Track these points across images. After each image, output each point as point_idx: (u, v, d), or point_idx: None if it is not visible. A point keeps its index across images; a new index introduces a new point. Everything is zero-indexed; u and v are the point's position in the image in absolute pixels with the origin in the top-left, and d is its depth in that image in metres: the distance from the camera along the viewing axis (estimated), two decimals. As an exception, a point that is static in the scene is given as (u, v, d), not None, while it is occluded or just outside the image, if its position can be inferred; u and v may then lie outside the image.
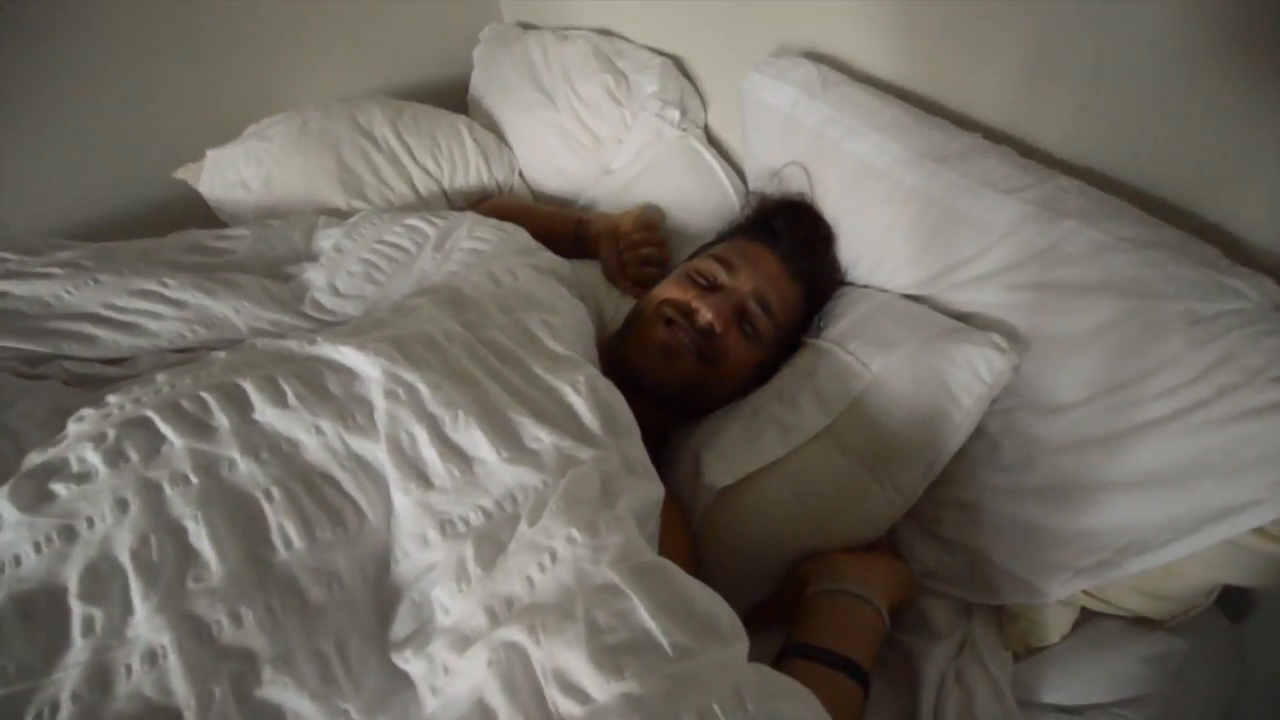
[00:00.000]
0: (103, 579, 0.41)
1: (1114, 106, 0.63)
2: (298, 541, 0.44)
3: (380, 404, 0.50)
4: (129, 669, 0.38)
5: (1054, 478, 0.56)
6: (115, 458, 0.46)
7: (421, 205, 1.08)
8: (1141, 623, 0.55)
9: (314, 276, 0.73)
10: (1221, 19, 0.53)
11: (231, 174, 1.05)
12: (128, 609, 0.40)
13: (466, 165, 1.12)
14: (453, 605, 0.42)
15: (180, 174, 1.06)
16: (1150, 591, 0.53)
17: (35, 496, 0.44)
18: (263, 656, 0.39)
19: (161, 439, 0.47)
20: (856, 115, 0.75)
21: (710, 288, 0.72)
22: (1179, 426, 0.50)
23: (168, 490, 0.45)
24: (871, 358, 0.65)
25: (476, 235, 0.75)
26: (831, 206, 0.79)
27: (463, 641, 0.39)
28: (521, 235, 0.78)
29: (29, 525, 0.42)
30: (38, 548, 0.41)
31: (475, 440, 0.48)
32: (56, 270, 0.68)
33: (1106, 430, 0.54)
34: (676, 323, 0.69)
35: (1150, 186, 0.62)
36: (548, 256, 0.75)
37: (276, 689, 0.39)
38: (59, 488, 0.44)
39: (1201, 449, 0.48)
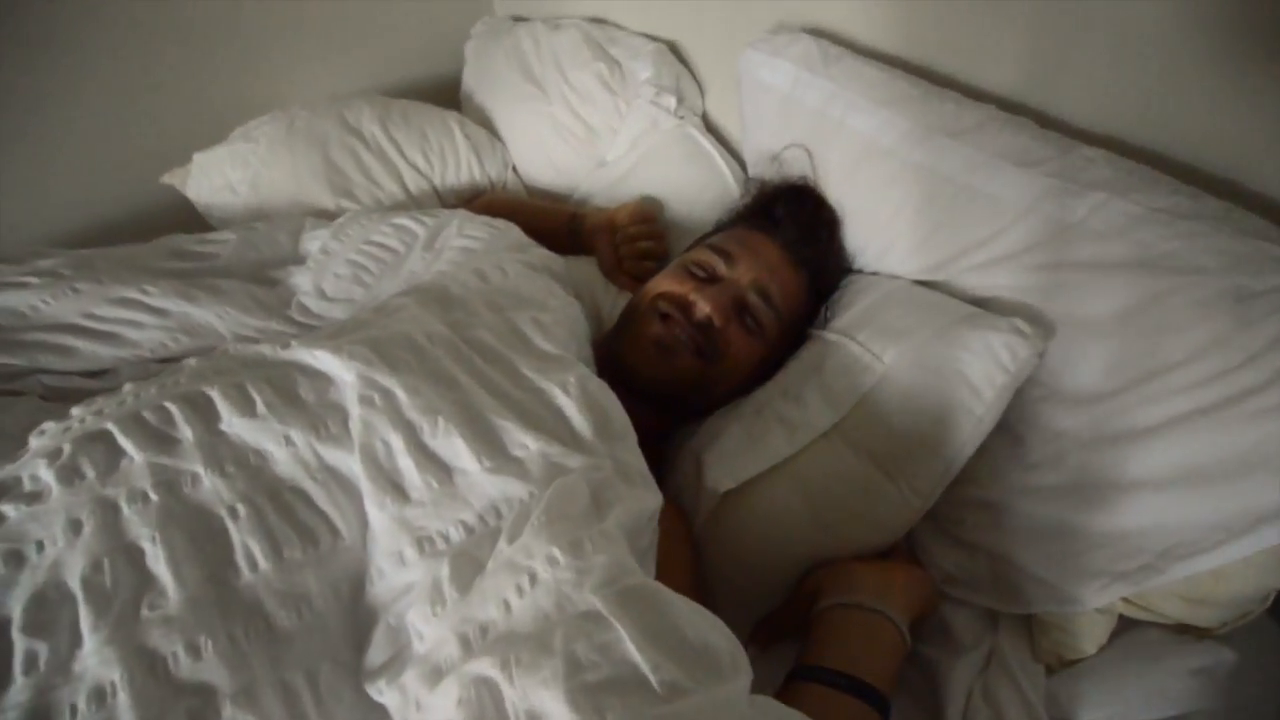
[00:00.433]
0: (50, 608, 0.38)
1: (1141, 72, 0.58)
2: (264, 563, 0.41)
3: (355, 411, 0.47)
4: (74, 709, 0.35)
5: (1085, 475, 0.51)
6: (70, 475, 0.43)
7: (412, 203, 1.05)
8: (1186, 631, 0.50)
9: (301, 280, 0.71)
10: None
11: (218, 177, 1.03)
12: (76, 641, 0.37)
13: (458, 161, 1.09)
14: (427, 631, 0.38)
15: (167, 179, 1.05)
16: (1197, 598, 0.48)
17: None
18: (223, 691, 0.36)
19: (120, 453, 0.45)
20: (860, 90, 0.72)
21: (708, 280, 0.68)
22: (1227, 416, 0.45)
23: (125, 509, 0.42)
24: (883, 349, 0.61)
25: (467, 233, 0.73)
26: (835, 189, 0.75)
27: (434, 674, 0.36)
28: (513, 231, 0.75)
29: None
30: None
31: (456, 448, 0.44)
32: (33, 279, 0.66)
33: (1143, 422, 0.49)
34: (673, 318, 0.65)
35: (1188, 156, 0.57)
36: (540, 252, 0.72)
37: None
38: (8, 509, 0.42)
39: (1254, 441, 0.44)
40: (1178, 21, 0.54)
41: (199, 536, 0.41)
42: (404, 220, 0.75)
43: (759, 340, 0.67)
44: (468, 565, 0.40)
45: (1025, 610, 0.51)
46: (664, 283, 0.69)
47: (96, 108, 1.06)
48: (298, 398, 0.48)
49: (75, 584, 0.39)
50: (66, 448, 0.45)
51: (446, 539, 0.42)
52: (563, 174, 1.07)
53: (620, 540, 0.40)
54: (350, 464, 0.45)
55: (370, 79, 1.24)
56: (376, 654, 0.40)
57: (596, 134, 1.04)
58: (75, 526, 0.41)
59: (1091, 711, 0.48)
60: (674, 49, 1.02)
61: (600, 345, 0.68)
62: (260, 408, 0.47)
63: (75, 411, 0.49)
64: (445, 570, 0.40)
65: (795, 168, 0.77)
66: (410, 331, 0.53)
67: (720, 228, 0.79)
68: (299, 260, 0.75)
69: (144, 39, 1.07)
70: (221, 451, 0.45)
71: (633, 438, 0.50)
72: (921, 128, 0.66)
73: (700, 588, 0.59)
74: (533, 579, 0.37)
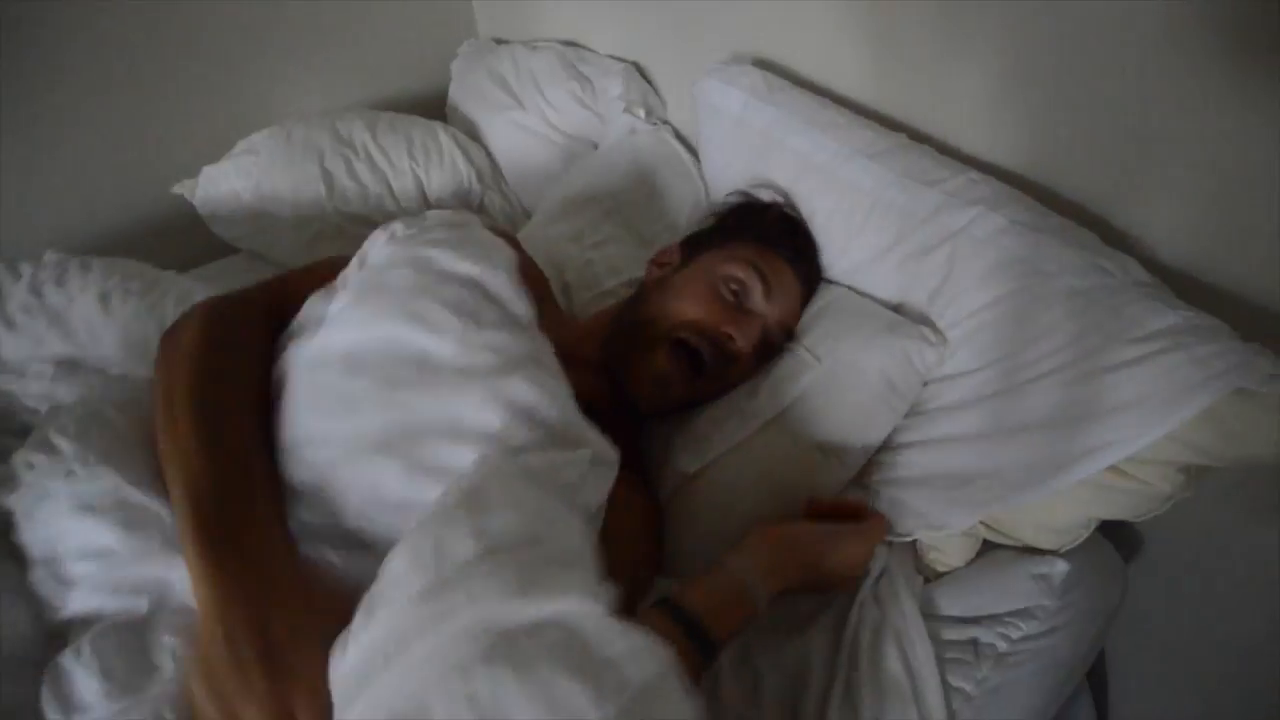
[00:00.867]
0: None
1: (1011, 113, 0.72)
2: None
3: None
4: None
5: (956, 432, 0.65)
6: None
7: (398, 204, 1.15)
8: (1033, 552, 0.65)
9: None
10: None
11: (224, 187, 1.12)
12: None
13: (442, 160, 1.18)
14: None
15: (178, 189, 1.13)
16: (1039, 524, 0.63)
17: None
18: None
19: None
20: (797, 116, 0.83)
21: (738, 307, 0.71)
22: (1056, 381, 0.59)
23: None
24: (821, 351, 0.71)
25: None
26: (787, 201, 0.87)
27: None
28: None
29: None
30: None
31: None
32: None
33: (1003, 388, 0.63)
34: (686, 348, 0.68)
35: (1043, 179, 0.72)
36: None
37: None
38: None
39: (1073, 400, 0.57)
40: (1036, 76, 0.68)
41: None
42: None
43: (760, 366, 0.73)
44: None
45: (909, 535, 0.65)
46: (693, 306, 0.70)
47: (108, 124, 1.14)
48: None
49: None
50: None
51: None
52: (541, 173, 1.18)
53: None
54: None
55: (362, 94, 1.33)
56: None
57: (572, 139, 1.16)
58: None
59: (954, 607, 0.62)
60: (639, 69, 1.14)
61: (606, 342, 0.72)
62: None
63: None
64: None
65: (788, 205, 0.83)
66: None
67: (722, 230, 0.81)
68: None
69: (151, 61, 1.14)
70: None
71: None
72: (846, 149, 0.78)
73: (659, 555, 0.67)
74: None
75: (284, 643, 0.41)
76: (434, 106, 1.35)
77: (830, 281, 0.81)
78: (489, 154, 1.23)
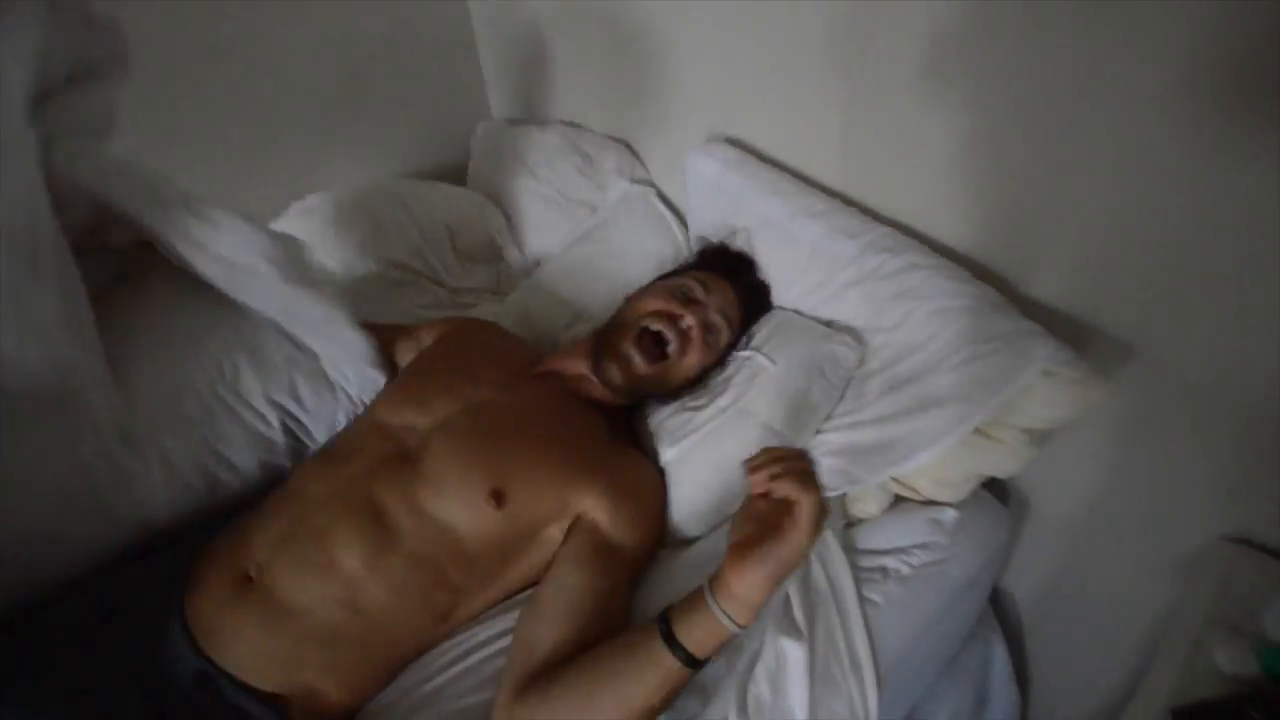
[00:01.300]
0: None
1: (912, 179, 0.97)
2: None
3: None
4: None
5: (869, 415, 0.87)
6: None
7: (427, 259, 1.37)
8: (933, 504, 0.85)
9: None
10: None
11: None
12: None
13: (468, 222, 1.43)
14: None
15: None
16: (936, 479, 0.84)
17: None
18: None
19: None
20: (760, 183, 1.07)
21: (687, 300, 0.94)
22: (934, 374, 0.81)
23: None
24: (775, 356, 0.92)
25: None
26: (748, 246, 1.10)
27: None
28: None
29: None
30: None
31: None
32: None
33: (899, 378, 0.85)
34: (651, 331, 0.90)
35: (930, 231, 0.96)
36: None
37: None
38: None
39: (949, 384, 0.80)
40: (930, 152, 0.93)
41: None
42: None
43: (711, 353, 0.95)
44: None
45: (836, 491, 0.85)
46: (653, 301, 0.94)
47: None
48: None
49: None
50: None
51: None
52: (552, 233, 1.41)
53: None
54: None
55: (396, 167, 1.57)
56: None
57: (576, 204, 1.41)
58: None
59: (867, 543, 0.83)
60: (628, 146, 1.41)
61: (593, 337, 0.96)
62: None
63: None
64: None
65: (738, 240, 1.09)
66: None
67: (688, 266, 1.07)
68: None
69: (222, 135, 1.37)
70: None
71: None
72: (794, 210, 1.02)
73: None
74: None
75: None
76: (455, 176, 1.59)
77: (781, 308, 1.05)
78: (505, 214, 1.48)
